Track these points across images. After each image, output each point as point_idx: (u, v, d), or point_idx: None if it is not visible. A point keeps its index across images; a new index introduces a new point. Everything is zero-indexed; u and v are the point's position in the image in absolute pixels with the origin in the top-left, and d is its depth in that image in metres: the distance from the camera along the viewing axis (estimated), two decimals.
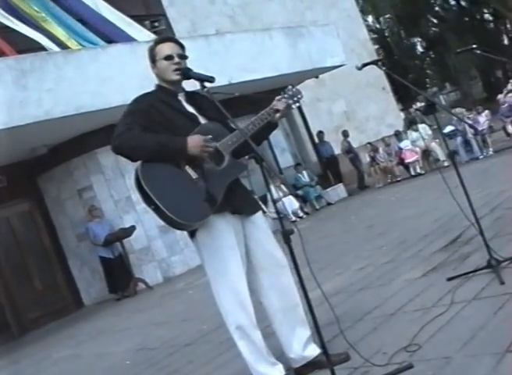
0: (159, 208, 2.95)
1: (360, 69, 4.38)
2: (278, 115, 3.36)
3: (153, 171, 3.02)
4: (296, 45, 13.97)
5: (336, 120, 19.74)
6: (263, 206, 3.26)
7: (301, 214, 13.69)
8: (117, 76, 10.23)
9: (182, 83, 3.34)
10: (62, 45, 11.73)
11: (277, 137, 15.59)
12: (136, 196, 11.01)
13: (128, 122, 3.09)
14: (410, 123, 15.11)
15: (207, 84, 3.11)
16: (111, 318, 9.13)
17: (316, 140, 16.56)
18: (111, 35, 12.99)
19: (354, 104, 20.64)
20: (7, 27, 11.20)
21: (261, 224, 3.34)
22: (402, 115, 18.20)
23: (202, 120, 3.26)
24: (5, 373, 7.56)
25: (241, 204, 3.25)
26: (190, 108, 3.28)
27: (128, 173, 11.25)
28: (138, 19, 13.98)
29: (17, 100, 9.03)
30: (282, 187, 13.85)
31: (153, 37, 13.09)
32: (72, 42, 11.95)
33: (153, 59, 3.31)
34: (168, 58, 3.25)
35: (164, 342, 5.81)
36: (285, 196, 13.54)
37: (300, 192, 14.09)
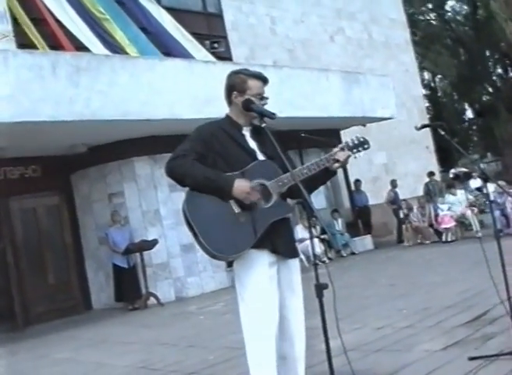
0: (197, 237, 3.04)
1: (418, 129, 4.33)
2: (337, 165, 3.34)
3: (198, 199, 3.11)
4: (351, 90, 14.01)
5: (375, 171, 19.66)
6: (302, 256, 3.23)
7: (324, 258, 13.54)
8: (169, 90, 10.33)
9: (253, 119, 3.35)
10: (118, 48, 11.91)
11: None
12: (164, 210, 11.25)
13: (186, 148, 3.17)
14: (449, 187, 14.90)
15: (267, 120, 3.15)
16: (117, 327, 9.07)
17: (352, 187, 16.46)
18: (170, 48, 13.18)
19: (395, 158, 20.55)
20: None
21: (295, 271, 3.32)
22: (438, 177, 18.06)
23: (260, 157, 3.27)
24: (1, 362, 7.52)
25: (282, 245, 3.23)
26: (252, 143, 3.31)
27: (161, 187, 11.30)
28: (199, 37, 14.21)
29: (67, 96, 9.12)
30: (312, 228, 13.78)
31: (210, 58, 13.27)
32: (131, 49, 12.13)
33: (241, 90, 3.30)
34: (261, 99, 3.31)
35: (167, 365, 5.72)
36: (311, 238, 13.41)
37: (326, 237, 13.97)
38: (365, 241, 15.33)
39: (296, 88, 12.60)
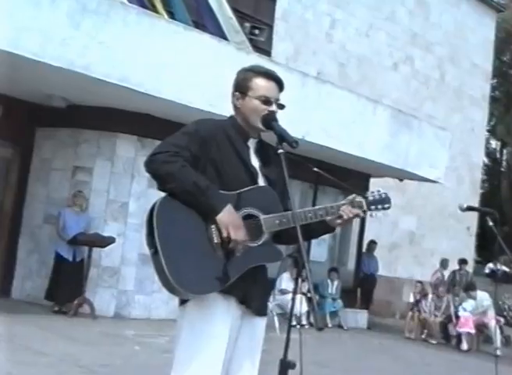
0: (158, 256, 2.95)
1: (462, 211, 4.32)
2: (338, 221, 3.33)
3: (174, 211, 3.05)
4: (398, 134, 14.09)
5: (397, 237, 19.72)
6: (276, 323, 3.19)
7: (305, 322, 13.49)
8: (183, 68, 10.34)
9: (260, 132, 3.37)
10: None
11: None
12: (134, 206, 11.27)
13: (179, 144, 3.13)
14: (467, 288, 14.69)
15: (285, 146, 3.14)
16: (32, 330, 8.97)
17: (364, 248, 16.48)
18: (203, 18, 13.25)
19: (427, 229, 20.62)
20: None
21: (258, 331, 3.27)
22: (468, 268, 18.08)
23: (261, 180, 3.27)
24: None
25: (254, 297, 3.19)
26: (255, 161, 3.30)
27: (139, 177, 11.32)
28: (240, 16, 14.25)
29: (61, 36, 9.12)
30: (299, 280, 13.74)
31: (247, 45, 13.33)
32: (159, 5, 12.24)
33: (243, 90, 3.30)
34: (265, 101, 3.26)
35: None
36: (294, 292, 13.36)
37: (316, 297, 13.92)
38: (359, 316, 15.30)
39: (334, 112, 12.67)
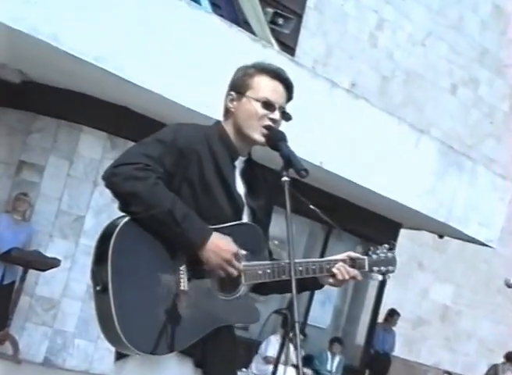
0: (105, 296, 2.94)
1: (510, 287, 4.44)
2: (330, 280, 3.39)
3: (136, 242, 3.05)
4: (445, 177, 14.09)
5: (426, 310, 19.74)
6: None
7: None
8: (175, 55, 10.36)
9: (253, 146, 3.38)
10: None
11: None
12: (92, 222, 11.35)
13: (152, 154, 3.09)
14: None
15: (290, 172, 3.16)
16: None
17: (381, 318, 16.53)
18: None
19: (465, 304, 20.61)
20: None
21: None
22: None
23: (246, 214, 3.30)
24: None
25: (215, 362, 3.19)
26: (241, 187, 3.32)
27: (103, 186, 11.39)
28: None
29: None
30: (291, 347, 13.85)
31: (267, 37, 13.48)
32: None
33: (240, 88, 3.33)
34: (267, 105, 3.27)
35: None
36: (285, 363, 13.46)
37: (309, 372, 14.05)
38: None
39: (365, 137, 12.67)
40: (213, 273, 3.09)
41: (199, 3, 12.44)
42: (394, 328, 17.04)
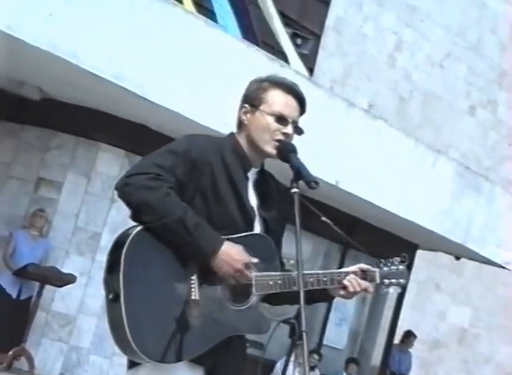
0: (117, 304, 3.00)
1: None
2: (342, 293, 3.42)
3: (148, 251, 3.11)
4: (462, 197, 14.13)
5: (444, 333, 19.69)
6: None
7: None
8: (194, 74, 10.44)
9: (265, 158, 3.44)
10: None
11: (347, 301, 15.65)
12: (108, 238, 11.40)
13: (163, 164, 3.15)
14: None
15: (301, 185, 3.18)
16: None
17: (397, 340, 16.53)
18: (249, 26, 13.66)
19: (484, 327, 20.54)
20: None
21: None
22: None
23: (258, 226, 3.35)
24: None
25: (227, 371, 3.27)
26: (253, 199, 3.37)
27: (122, 203, 11.39)
28: (284, 19, 14.56)
29: (47, 9, 9.29)
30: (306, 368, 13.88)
31: (296, 61, 13.61)
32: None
33: (254, 102, 3.39)
34: (281, 120, 3.33)
35: None
36: (286, 364, 13.47)
37: None
38: None
39: (382, 157, 12.73)
40: (224, 281, 3.13)
41: (216, 21, 12.62)
42: (410, 350, 17.04)
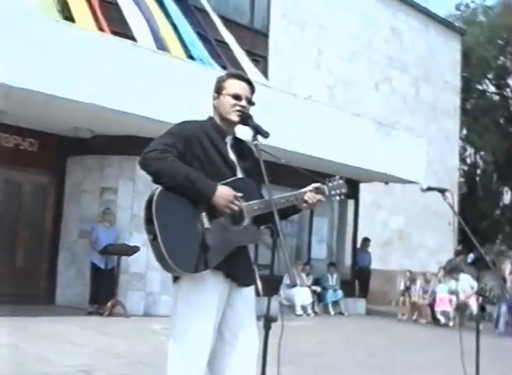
0: (157, 241, 3.01)
1: (424, 191, 4.43)
2: (304, 205, 3.42)
3: (170, 202, 3.10)
4: (381, 143, 14.11)
5: (388, 234, 19.75)
6: (259, 284, 3.28)
7: (310, 311, 13.57)
8: (196, 100, 10.33)
9: (235, 127, 3.41)
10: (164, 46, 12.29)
11: (321, 224, 15.65)
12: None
13: (167, 142, 3.17)
14: (452, 270, 14.84)
15: (259, 138, 3.22)
16: (73, 327, 9.10)
17: (359, 245, 16.54)
18: (226, 61, 13.51)
19: (413, 226, 20.64)
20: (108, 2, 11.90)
21: (248, 298, 3.33)
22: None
23: (239, 172, 3.33)
24: None
25: (239, 271, 3.25)
26: (232, 156, 3.35)
27: None
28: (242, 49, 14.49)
29: (93, 75, 9.29)
30: (303, 275, 13.85)
31: (262, 79, 13.57)
32: (179, 49, 12.53)
33: (218, 91, 3.37)
34: (237, 97, 3.33)
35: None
36: (301, 286, 13.48)
37: (318, 289, 14.05)
38: (358, 304, 15.33)
39: (324, 127, 12.73)
40: (223, 211, 3.13)
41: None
42: (369, 250, 17.03)
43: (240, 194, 3.16)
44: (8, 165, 11.36)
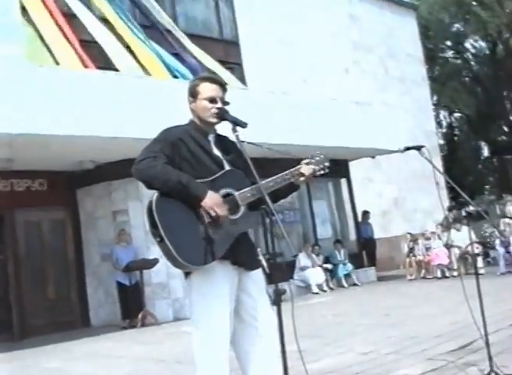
0: (164, 242, 3.00)
1: (402, 151, 4.43)
2: (302, 179, 3.43)
3: (168, 205, 3.08)
4: (360, 121, 14.06)
5: (384, 204, 19.74)
6: (265, 264, 3.29)
7: (325, 288, 13.58)
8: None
9: (215, 126, 3.39)
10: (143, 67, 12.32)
11: (321, 207, 15.63)
12: None
13: (155, 150, 3.16)
14: (454, 221, 14.91)
15: (239, 129, 3.21)
16: (110, 343, 9.13)
17: (359, 218, 16.52)
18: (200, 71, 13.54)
19: (406, 192, 20.63)
20: (89, 42, 11.84)
21: (257, 280, 3.31)
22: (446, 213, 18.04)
23: (227, 165, 3.31)
24: None
25: (244, 257, 3.24)
26: (217, 152, 3.33)
27: None
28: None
29: (85, 109, 9.27)
30: (313, 256, 13.85)
31: (238, 84, 13.55)
32: (161, 70, 12.53)
33: (194, 95, 3.35)
34: (212, 100, 3.31)
35: None
36: (313, 266, 13.50)
37: (329, 266, 14.05)
38: (368, 273, 15.32)
39: (305, 116, 12.69)
40: (206, 212, 3.09)
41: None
42: (370, 221, 17.03)
43: (228, 197, 3.18)
44: (24, 207, 11.42)
